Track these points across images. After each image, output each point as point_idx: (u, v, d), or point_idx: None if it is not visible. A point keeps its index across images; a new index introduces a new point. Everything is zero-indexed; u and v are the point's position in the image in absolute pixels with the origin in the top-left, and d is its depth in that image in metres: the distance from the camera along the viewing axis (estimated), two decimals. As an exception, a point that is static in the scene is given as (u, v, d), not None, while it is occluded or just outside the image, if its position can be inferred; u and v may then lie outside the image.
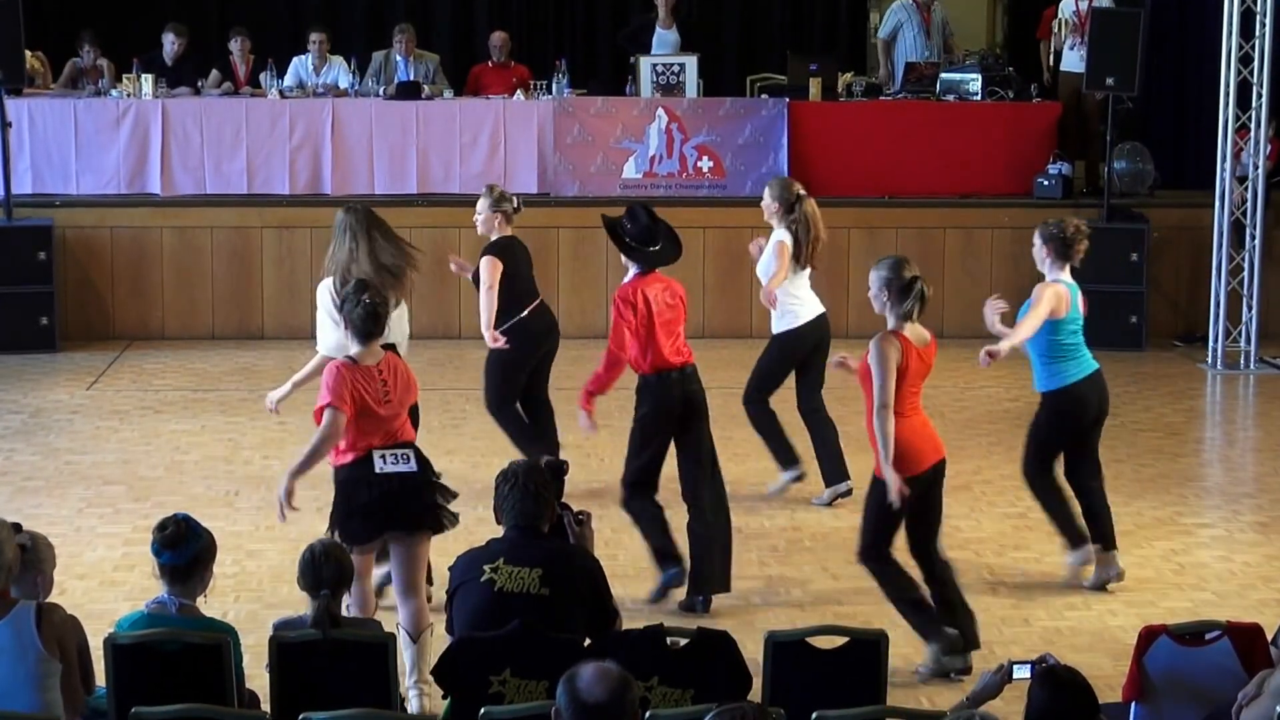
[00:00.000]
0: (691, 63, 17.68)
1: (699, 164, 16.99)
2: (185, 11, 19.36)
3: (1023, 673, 6.60)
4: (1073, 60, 17.73)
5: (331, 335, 9.35)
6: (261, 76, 17.79)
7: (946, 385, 15.13)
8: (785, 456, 12.18)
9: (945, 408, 14.44)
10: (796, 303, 11.91)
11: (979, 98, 17.53)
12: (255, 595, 9.95)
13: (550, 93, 17.52)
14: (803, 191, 11.89)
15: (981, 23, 20.68)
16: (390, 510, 8.32)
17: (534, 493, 7.30)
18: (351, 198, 16.69)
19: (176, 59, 17.98)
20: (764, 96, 17.91)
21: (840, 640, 7.25)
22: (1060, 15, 17.95)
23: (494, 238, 11.65)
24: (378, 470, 8.30)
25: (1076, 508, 10.46)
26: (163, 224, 16.82)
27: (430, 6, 20.85)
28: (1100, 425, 10.48)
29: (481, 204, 11.69)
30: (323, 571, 7.25)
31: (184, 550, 7.12)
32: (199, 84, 17.90)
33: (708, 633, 7.04)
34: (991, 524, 11.53)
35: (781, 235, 11.81)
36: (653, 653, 6.90)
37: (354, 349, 8.43)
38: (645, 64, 17.67)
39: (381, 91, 17.70)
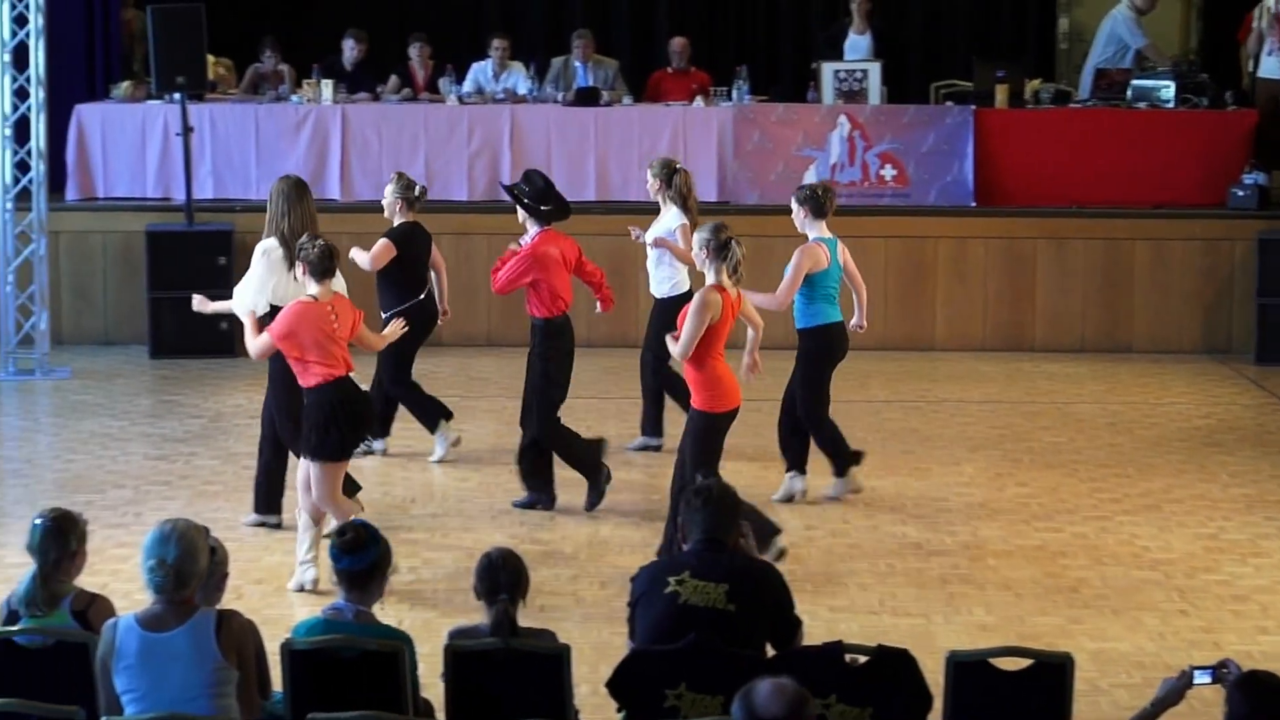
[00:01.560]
0: (875, 69, 17.43)
1: (882, 172, 16.76)
2: (365, 17, 19.39)
3: (1203, 678, 6.59)
4: (1270, 66, 17.31)
5: (250, 293, 10.78)
6: (440, 82, 17.79)
7: (1136, 401, 14.89)
8: (656, 424, 13.08)
9: (1134, 424, 14.18)
10: (682, 270, 12.68)
11: (1172, 105, 17.14)
12: (430, 603, 9.90)
13: (730, 99, 17.35)
14: (679, 165, 12.87)
15: (1175, 28, 20.33)
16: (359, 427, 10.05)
17: (727, 509, 7.29)
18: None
19: (356, 64, 18.04)
20: (949, 103, 17.58)
21: (1024, 662, 7.08)
22: (1258, 18, 17.50)
23: (397, 223, 12.61)
24: (359, 390, 10.10)
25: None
26: (341, 230, 16.67)
27: (610, 12, 20.76)
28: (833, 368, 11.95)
29: (388, 189, 12.70)
30: (500, 576, 7.20)
31: (362, 556, 7.14)
32: (378, 89, 17.93)
33: (888, 651, 6.95)
34: (1182, 545, 11.24)
35: (681, 219, 12.54)
36: (831, 669, 6.83)
37: (311, 288, 9.90)
38: (827, 70, 17.44)
39: (560, 97, 17.64)
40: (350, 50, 18.04)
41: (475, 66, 18.07)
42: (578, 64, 18.19)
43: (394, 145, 17.06)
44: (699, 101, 17.37)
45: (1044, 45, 20.67)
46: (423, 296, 12.59)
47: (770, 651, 7.16)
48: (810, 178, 16.70)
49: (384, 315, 12.38)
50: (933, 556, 10.88)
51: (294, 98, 17.45)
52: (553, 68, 18.29)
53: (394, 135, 17.13)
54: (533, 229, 11.67)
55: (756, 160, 16.89)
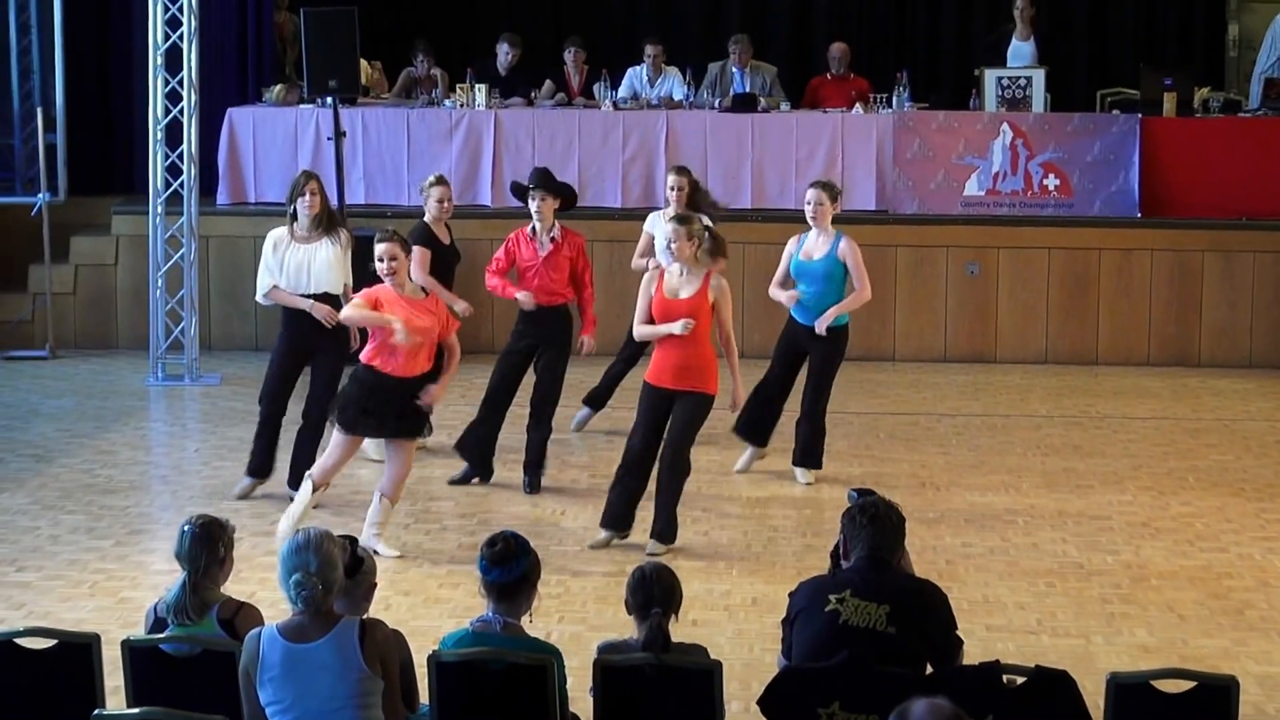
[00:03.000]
0: (1039, 76, 17.18)
1: (1045, 182, 16.54)
2: (520, 22, 19.38)
3: None
4: None
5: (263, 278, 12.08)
6: (595, 87, 17.72)
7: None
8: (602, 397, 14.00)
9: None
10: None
11: (1345, 115, 16.80)
12: (579, 617, 9.81)
13: (890, 106, 17.17)
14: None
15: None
16: (384, 417, 10.73)
17: (894, 526, 7.14)
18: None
19: (510, 69, 17.98)
20: (1115, 112, 17.37)
21: (1187, 684, 6.88)
22: None
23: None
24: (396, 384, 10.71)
25: None
26: (491, 236, 16.66)
27: (767, 17, 20.60)
28: None
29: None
30: (653, 590, 7.13)
31: (512, 568, 7.05)
32: (532, 94, 17.85)
33: (1046, 671, 6.80)
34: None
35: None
36: (988, 690, 6.69)
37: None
38: (990, 77, 17.21)
39: (717, 103, 17.48)
40: (504, 55, 17.98)
41: (630, 72, 17.98)
42: (734, 69, 18.03)
43: (547, 151, 16.94)
44: (858, 108, 17.18)
45: (1213, 53, 20.31)
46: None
47: (928, 670, 7.01)
48: (972, 187, 16.57)
49: None
50: (1093, 576, 10.67)
51: (447, 102, 17.43)
52: (709, 73, 18.15)
53: (547, 141, 17.05)
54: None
55: (916, 168, 16.67)
